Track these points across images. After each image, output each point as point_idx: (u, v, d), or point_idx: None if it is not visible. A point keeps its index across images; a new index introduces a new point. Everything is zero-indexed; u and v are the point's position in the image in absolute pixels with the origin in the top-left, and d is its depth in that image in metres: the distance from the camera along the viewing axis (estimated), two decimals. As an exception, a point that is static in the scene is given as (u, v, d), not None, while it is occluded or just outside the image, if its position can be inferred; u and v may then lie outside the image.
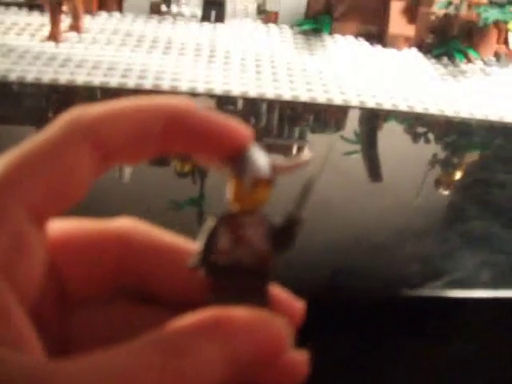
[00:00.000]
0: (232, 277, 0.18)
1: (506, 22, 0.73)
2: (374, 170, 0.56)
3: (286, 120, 0.63)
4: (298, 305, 0.20)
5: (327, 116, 0.65)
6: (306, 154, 0.19)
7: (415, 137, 0.63)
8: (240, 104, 0.64)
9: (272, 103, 0.63)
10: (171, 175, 0.51)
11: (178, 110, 0.18)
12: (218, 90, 0.63)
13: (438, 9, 0.81)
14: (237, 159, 0.18)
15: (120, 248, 0.20)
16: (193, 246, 0.20)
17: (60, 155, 0.17)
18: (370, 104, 0.64)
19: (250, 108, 0.64)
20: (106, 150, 0.18)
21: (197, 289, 0.19)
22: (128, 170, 0.49)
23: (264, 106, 0.63)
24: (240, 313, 0.17)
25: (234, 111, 0.63)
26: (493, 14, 0.71)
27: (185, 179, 0.50)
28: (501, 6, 0.72)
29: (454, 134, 0.65)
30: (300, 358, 0.18)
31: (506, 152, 0.62)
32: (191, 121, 0.18)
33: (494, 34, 0.78)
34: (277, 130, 0.61)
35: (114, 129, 0.18)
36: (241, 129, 0.19)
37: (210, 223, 0.19)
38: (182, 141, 0.19)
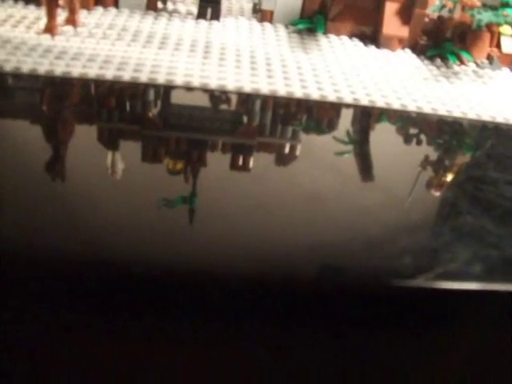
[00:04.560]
0: None
1: (498, 25, 0.74)
2: (365, 168, 0.57)
3: (279, 118, 0.63)
4: None
5: (320, 114, 0.65)
6: None
7: (408, 136, 0.64)
8: (233, 100, 0.64)
9: (266, 99, 0.64)
10: (163, 173, 0.51)
11: None
12: (213, 84, 0.63)
13: (432, 12, 0.82)
14: None
15: None
16: None
17: None
18: (364, 102, 0.64)
19: (244, 104, 0.64)
20: None
21: None
22: (120, 167, 0.49)
23: (258, 103, 0.64)
24: None
25: (228, 107, 0.63)
26: (486, 17, 0.71)
27: (177, 177, 0.50)
28: (494, 8, 0.73)
29: (446, 133, 0.65)
30: None
31: (497, 151, 0.63)
32: None
33: (487, 37, 0.79)
34: (270, 128, 0.61)
35: None
36: None
37: None
38: None
